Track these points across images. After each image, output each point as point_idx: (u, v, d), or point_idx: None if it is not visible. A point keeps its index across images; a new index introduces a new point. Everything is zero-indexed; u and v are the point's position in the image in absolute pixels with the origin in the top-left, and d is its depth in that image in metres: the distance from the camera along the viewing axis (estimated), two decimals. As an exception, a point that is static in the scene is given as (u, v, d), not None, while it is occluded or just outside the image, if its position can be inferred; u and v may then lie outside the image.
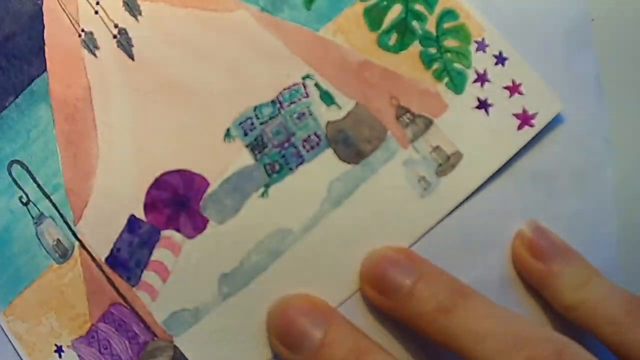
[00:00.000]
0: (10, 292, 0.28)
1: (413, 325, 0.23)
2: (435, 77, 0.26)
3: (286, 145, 0.26)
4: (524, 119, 0.26)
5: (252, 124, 0.26)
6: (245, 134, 0.26)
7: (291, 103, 0.26)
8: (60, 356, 0.27)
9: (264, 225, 0.26)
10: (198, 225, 0.26)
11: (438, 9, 0.26)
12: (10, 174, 0.28)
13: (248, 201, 0.26)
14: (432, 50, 0.26)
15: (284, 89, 0.26)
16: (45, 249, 0.28)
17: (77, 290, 0.27)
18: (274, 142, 0.26)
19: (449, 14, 0.26)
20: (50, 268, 0.28)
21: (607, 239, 0.26)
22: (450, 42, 0.26)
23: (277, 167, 0.26)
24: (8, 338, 0.28)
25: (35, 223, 0.28)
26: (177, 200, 0.26)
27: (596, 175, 0.26)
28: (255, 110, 0.26)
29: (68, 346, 0.27)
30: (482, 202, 0.25)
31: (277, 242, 0.26)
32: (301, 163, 0.26)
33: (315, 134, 0.26)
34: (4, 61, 0.28)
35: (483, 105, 0.26)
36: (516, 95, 0.26)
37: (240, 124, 0.26)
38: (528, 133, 0.26)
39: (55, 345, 0.28)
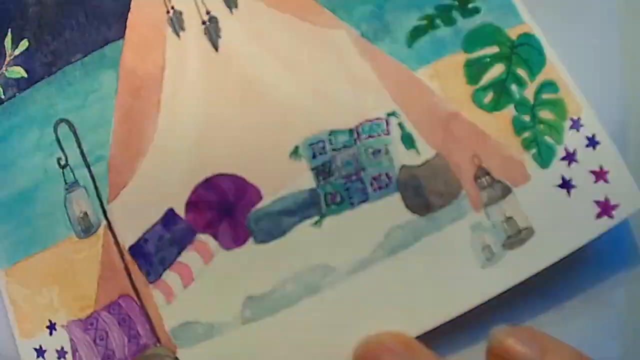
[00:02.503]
0: (18, 252, 0.24)
1: None
2: (524, 146, 0.23)
3: (354, 178, 0.23)
4: (605, 208, 0.22)
5: (324, 147, 0.23)
6: (314, 156, 0.23)
7: (369, 136, 0.23)
8: (51, 333, 0.23)
9: (309, 256, 0.22)
10: (239, 237, 0.22)
11: (540, 78, 0.23)
12: (55, 131, 0.24)
13: (298, 227, 0.22)
14: (526, 118, 0.23)
15: (366, 121, 0.23)
16: (69, 218, 0.23)
17: (90, 270, 0.23)
18: (342, 172, 0.23)
19: (550, 85, 0.23)
20: (69, 239, 0.23)
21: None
22: (545, 114, 0.23)
23: (338, 199, 0.22)
24: (2, 301, 0.24)
25: (67, 189, 0.24)
26: (223, 206, 0.23)
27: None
28: (330, 134, 0.23)
29: (62, 325, 0.23)
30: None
31: (317, 277, 0.22)
32: (365, 200, 0.22)
33: (387, 174, 0.23)
34: (82, 17, 0.25)
35: (566, 185, 0.22)
36: (601, 182, 0.22)
37: (311, 144, 0.23)
38: (606, 224, 0.22)
39: (49, 320, 0.23)
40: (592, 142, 0.22)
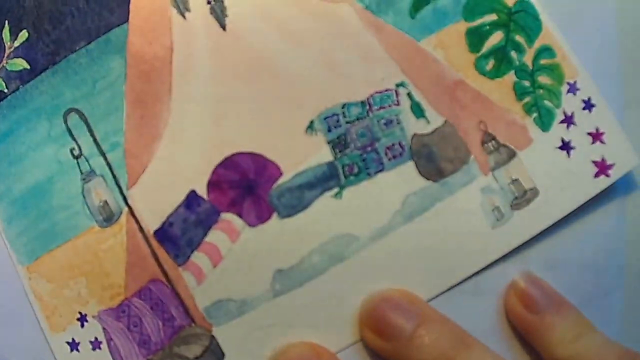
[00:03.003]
0: (39, 248, 0.24)
1: None
2: (525, 111, 0.24)
3: (369, 149, 0.23)
4: (602, 167, 0.24)
5: (338, 120, 0.23)
6: (329, 130, 0.23)
7: (381, 108, 0.24)
8: (82, 325, 0.23)
9: (332, 226, 0.23)
10: (262, 214, 0.23)
11: (537, 44, 0.24)
12: (65, 121, 0.24)
13: (320, 200, 0.23)
14: (526, 83, 0.24)
15: (376, 92, 0.23)
16: (89, 208, 0.23)
17: (117, 258, 0.23)
18: (357, 144, 0.23)
19: (547, 50, 0.24)
20: (91, 230, 0.23)
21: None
22: (544, 79, 0.24)
23: (355, 170, 0.23)
24: (27, 297, 0.24)
25: (83, 179, 0.24)
26: (244, 184, 0.23)
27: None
28: (343, 107, 0.23)
29: (94, 316, 0.23)
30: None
31: (341, 246, 0.23)
32: (381, 170, 0.23)
33: (399, 143, 0.23)
34: (82, 3, 0.24)
35: (566, 146, 0.24)
36: (598, 143, 0.24)
37: (326, 118, 0.23)
38: (604, 182, 0.24)
39: (80, 313, 0.23)
40: (588, 105, 0.24)
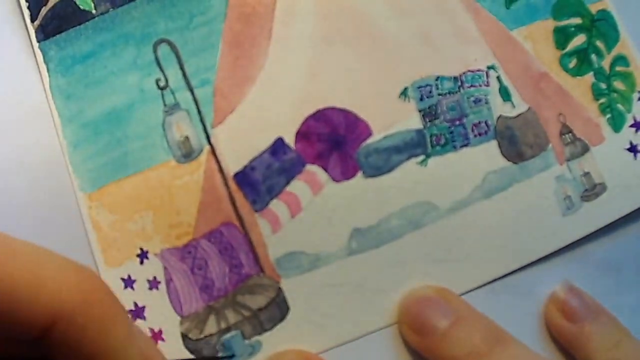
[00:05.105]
0: (105, 176, 0.22)
1: None
2: (600, 110, 0.25)
3: (457, 123, 0.23)
4: (663, 174, 0.25)
5: (431, 91, 0.23)
6: (421, 99, 0.23)
7: (472, 86, 0.24)
8: (142, 262, 0.22)
9: (414, 193, 0.22)
10: (348, 170, 0.22)
11: (614, 52, 0.25)
12: (155, 51, 0.23)
13: (405, 164, 0.23)
14: (603, 86, 0.25)
15: (469, 71, 0.24)
16: (168, 142, 0.22)
17: (191, 196, 0.22)
18: (447, 117, 0.23)
19: (622, 59, 0.25)
20: (167, 164, 0.22)
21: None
22: (618, 84, 0.25)
23: (442, 141, 0.23)
24: (84, 227, 0.22)
25: (166, 111, 0.23)
26: (333, 139, 0.23)
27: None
28: (437, 80, 0.23)
29: (156, 254, 0.22)
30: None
31: (420, 213, 0.22)
32: (466, 145, 0.23)
33: (486, 122, 0.24)
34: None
35: (633, 149, 0.25)
36: (661, 151, 0.25)
37: (420, 87, 0.23)
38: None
39: (141, 249, 0.22)
40: (656, 114, 0.25)
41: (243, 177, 0.22)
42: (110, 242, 0.21)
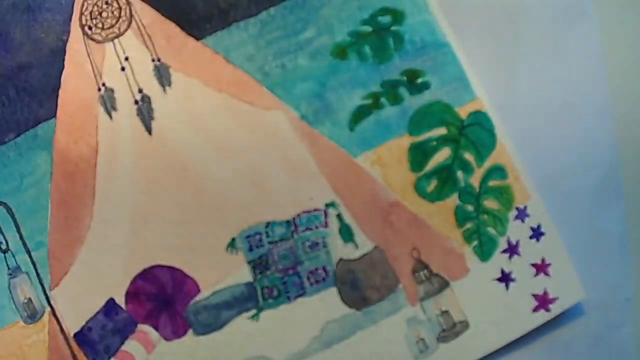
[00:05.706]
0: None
1: None
2: (465, 238, 0.22)
3: (290, 272, 0.22)
4: (543, 301, 0.22)
5: (261, 240, 0.22)
6: (250, 249, 0.22)
7: (307, 229, 0.22)
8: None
9: (247, 348, 0.22)
10: (178, 329, 0.22)
11: (488, 163, 0.22)
12: (-6, 215, 0.24)
13: (236, 320, 0.22)
14: (469, 208, 0.22)
15: (303, 212, 0.22)
16: (14, 303, 0.24)
17: (39, 355, 0.23)
18: (279, 266, 0.22)
19: (498, 170, 0.22)
20: (16, 324, 0.23)
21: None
22: (490, 203, 0.22)
23: (275, 293, 0.22)
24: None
25: (10, 274, 0.23)
26: (162, 298, 0.22)
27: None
28: (267, 226, 0.22)
29: (18, 406, 0.24)
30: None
31: (255, 368, 0.22)
32: (301, 295, 0.22)
33: (324, 268, 0.22)
34: (12, 92, 0.23)
35: (505, 278, 0.22)
36: (542, 275, 0.22)
37: (248, 237, 0.22)
38: (542, 317, 0.22)
39: (6, 400, 0.24)
40: (537, 234, 0.22)
41: (82, 337, 0.22)
42: (-18, 392, 0.23)
